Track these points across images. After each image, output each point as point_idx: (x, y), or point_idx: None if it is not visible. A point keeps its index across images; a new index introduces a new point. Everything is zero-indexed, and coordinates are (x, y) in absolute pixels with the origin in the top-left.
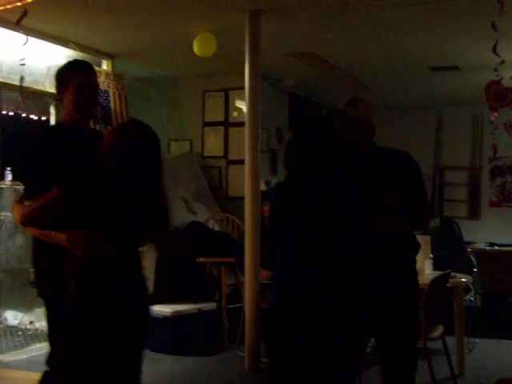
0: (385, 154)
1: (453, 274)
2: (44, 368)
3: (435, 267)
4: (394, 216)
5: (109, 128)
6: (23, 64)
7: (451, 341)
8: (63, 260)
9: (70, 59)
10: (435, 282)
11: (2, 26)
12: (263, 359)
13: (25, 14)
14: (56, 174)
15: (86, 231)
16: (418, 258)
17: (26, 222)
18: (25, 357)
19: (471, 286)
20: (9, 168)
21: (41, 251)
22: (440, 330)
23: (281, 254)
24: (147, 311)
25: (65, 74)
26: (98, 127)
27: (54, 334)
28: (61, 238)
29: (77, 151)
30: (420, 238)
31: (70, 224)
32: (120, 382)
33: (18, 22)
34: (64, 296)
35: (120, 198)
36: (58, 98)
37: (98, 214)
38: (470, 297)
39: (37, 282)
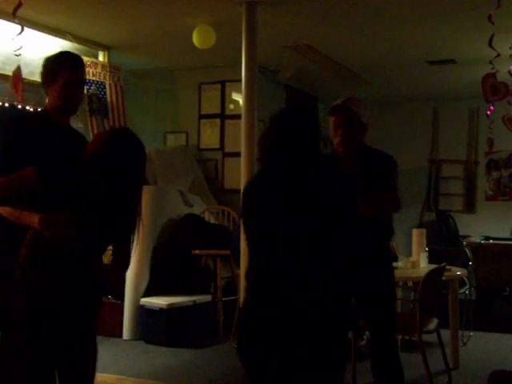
0: (372, 154)
1: (448, 267)
2: None
3: (430, 260)
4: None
5: (105, 120)
6: (18, 55)
7: (446, 334)
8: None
9: (61, 50)
10: (430, 275)
11: None
12: None
13: (20, 4)
14: (30, 158)
15: (62, 215)
16: (414, 251)
17: None
18: None
19: (466, 280)
20: None
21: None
22: (435, 323)
23: (260, 250)
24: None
25: (54, 67)
26: (93, 119)
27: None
28: (33, 218)
29: (57, 142)
30: (416, 231)
31: (44, 207)
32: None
33: (13, 12)
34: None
35: (94, 196)
36: (42, 86)
37: (72, 198)
38: (465, 290)
39: None
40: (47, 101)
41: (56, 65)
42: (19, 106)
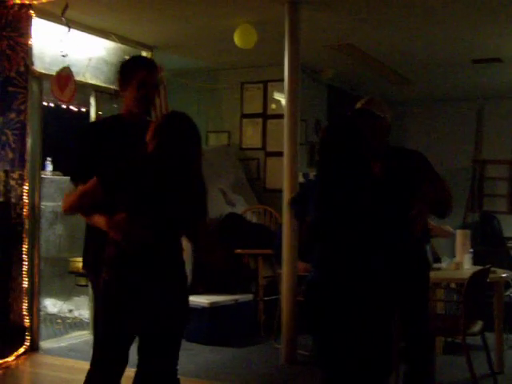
0: (400, 153)
1: (493, 269)
2: (80, 355)
3: (475, 262)
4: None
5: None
6: (65, 55)
7: (491, 337)
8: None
9: (134, 55)
10: (475, 276)
11: (45, 19)
12: (299, 351)
13: (66, 6)
14: (103, 163)
15: (124, 216)
16: (458, 252)
17: (67, 209)
18: (64, 344)
19: (511, 282)
20: (49, 158)
21: (90, 237)
22: (479, 325)
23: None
24: (176, 303)
25: (129, 70)
26: None
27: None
28: (101, 221)
29: (131, 142)
30: (460, 233)
31: (110, 209)
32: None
33: (62, 13)
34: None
35: (157, 185)
36: (120, 91)
37: (133, 200)
38: (510, 293)
39: (84, 265)
40: (123, 104)
41: (131, 67)
42: (64, 106)
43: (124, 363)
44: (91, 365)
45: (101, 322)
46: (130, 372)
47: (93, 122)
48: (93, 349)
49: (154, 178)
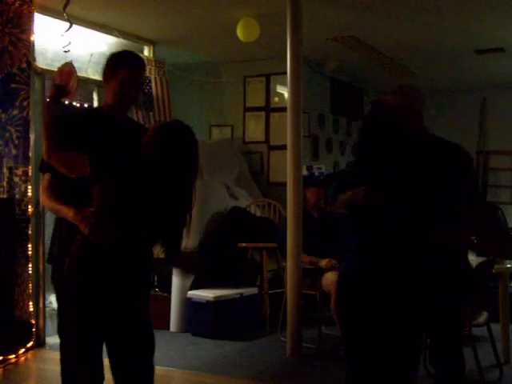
0: (436, 143)
1: (497, 260)
2: None
3: (479, 253)
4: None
5: (150, 114)
6: (67, 51)
7: (496, 328)
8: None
9: (124, 49)
10: (480, 267)
11: (46, 15)
12: (305, 344)
13: (68, 2)
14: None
15: (93, 211)
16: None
17: (49, 154)
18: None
19: None
20: None
21: (58, 229)
22: (484, 316)
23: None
24: (135, 298)
25: (114, 64)
26: (139, 113)
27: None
28: (69, 213)
29: (109, 136)
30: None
31: (80, 201)
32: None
33: (63, 9)
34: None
35: (145, 189)
36: (103, 82)
37: (115, 196)
38: None
39: (49, 256)
40: (105, 97)
41: (117, 62)
42: (66, 102)
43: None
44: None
45: (63, 314)
46: None
47: (69, 112)
48: (61, 352)
49: (144, 182)
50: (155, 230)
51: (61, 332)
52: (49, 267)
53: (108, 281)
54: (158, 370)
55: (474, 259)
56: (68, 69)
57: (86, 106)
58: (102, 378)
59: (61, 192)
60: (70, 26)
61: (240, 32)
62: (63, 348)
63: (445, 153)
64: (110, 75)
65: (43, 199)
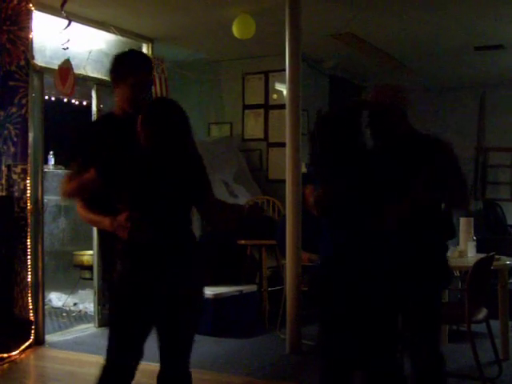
0: (419, 139)
1: (497, 256)
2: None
3: (478, 250)
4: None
5: None
6: (66, 48)
7: (495, 324)
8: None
9: (131, 50)
10: (479, 264)
11: (44, 12)
12: (304, 341)
13: (65, 0)
14: (99, 158)
15: (127, 215)
16: (462, 240)
17: (65, 195)
18: (69, 337)
19: None
20: (51, 152)
21: (102, 235)
22: (484, 313)
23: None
24: (190, 293)
25: (124, 67)
26: None
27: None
28: (105, 223)
29: (124, 139)
30: (463, 220)
31: (112, 208)
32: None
33: (61, 6)
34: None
35: (155, 178)
36: (112, 84)
37: (132, 196)
38: None
39: (102, 258)
40: (115, 100)
41: (126, 67)
42: (65, 100)
43: (139, 356)
44: (106, 358)
45: (114, 314)
46: (148, 366)
47: (89, 123)
48: (108, 341)
49: (151, 171)
50: (182, 210)
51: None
52: (48, 265)
53: (157, 272)
54: (157, 366)
55: (472, 256)
56: (66, 66)
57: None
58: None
59: (94, 201)
60: (69, 24)
61: (236, 29)
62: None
63: (422, 148)
64: (120, 79)
65: (79, 210)
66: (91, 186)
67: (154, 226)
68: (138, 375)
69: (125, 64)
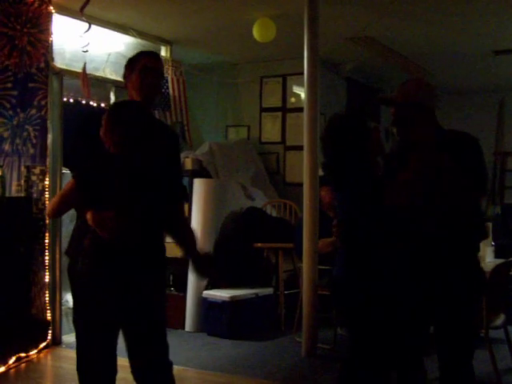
0: (448, 137)
1: None
2: None
3: (497, 255)
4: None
5: (167, 114)
6: (86, 51)
7: None
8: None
9: (141, 49)
10: (497, 269)
11: (64, 15)
12: (320, 345)
13: (86, 2)
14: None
15: (112, 214)
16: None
17: (50, 214)
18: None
19: None
20: None
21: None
22: (502, 318)
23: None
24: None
25: (132, 60)
26: (156, 113)
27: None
28: (88, 217)
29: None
30: None
31: (95, 204)
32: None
33: (81, 9)
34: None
35: (126, 181)
36: (124, 84)
37: (109, 199)
38: None
39: (66, 252)
40: (128, 96)
41: (134, 58)
42: (83, 102)
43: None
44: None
45: (78, 311)
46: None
47: (91, 113)
48: (76, 348)
49: (122, 175)
50: (157, 212)
51: (75, 325)
52: (65, 266)
53: (120, 276)
54: (173, 369)
55: (490, 261)
56: (83, 69)
57: (102, 105)
58: (115, 371)
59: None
60: (89, 28)
61: (256, 32)
62: (77, 340)
63: (454, 144)
64: (130, 71)
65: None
66: (72, 198)
67: (132, 229)
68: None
69: (132, 58)
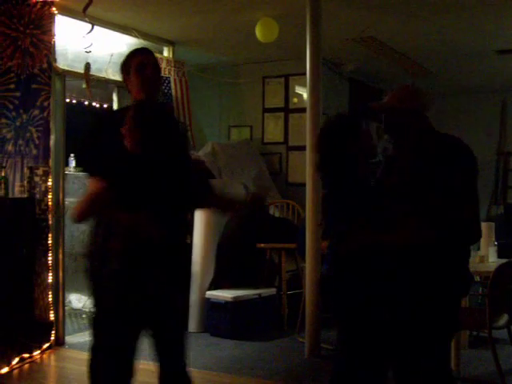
0: (439, 140)
1: None
2: None
3: (500, 255)
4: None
5: None
6: (89, 52)
7: None
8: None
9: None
10: (500, 269)
11: (67, 16)
12: (323, 345)
13: (90, 2)
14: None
15: (149, 213)
16: (482, 245)
17: (79, 218)
18: (88, 339)
19: None
20: (72, 154)
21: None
22: (505, 318)
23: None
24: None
25: (126, 62)
26: None
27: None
28: (121, 218)
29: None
30: (484, 225)
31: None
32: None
33: (83, 10)
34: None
35: (154, 178)
36: (126, 87)
37: (141, 197)
38: None
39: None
40: (131, 95)
41: (127, 59)
42: (86, 103)
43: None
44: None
45: (103, 312)
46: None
47: (103, 113)
48: (92, 347)
49: (151, 173)
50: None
51: (94, 324)
52: (68, 266)
53: (154, 277)
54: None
55: (493, 261)
56: (87, 70)
57: (105, 106)
58: (130, 375)
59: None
60: (92, 29)
61: (259, 33)
62: (95, 339)
63: (447, 150)
64: (126, 73)
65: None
66: (103, 200)
67: (162, 227)
68: (138, 374)
69: (125, 60)
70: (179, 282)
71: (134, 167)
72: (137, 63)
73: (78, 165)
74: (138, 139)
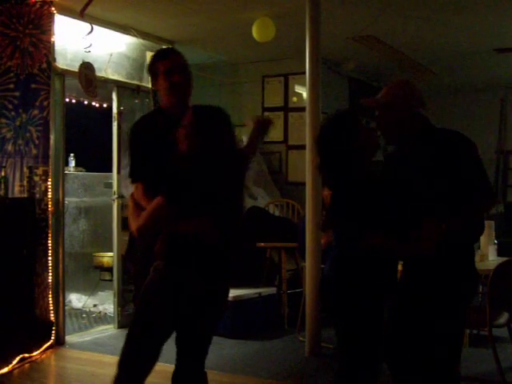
0: (438, 136)
1: None
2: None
3: (500, 253)
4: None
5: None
6: (88, 51)
7: None
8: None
9: (154, 51)
10: (501, 267)
11: (66, 15)
12: (323, 344)
13: (87, 5)
14: (155, 157)
15: (208, 219)
16: (483, 244)
17: (141, 232)
18: (89, 338)
19: None
20: (72, 154)
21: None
22: (505, 317)
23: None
24: (220, 302)
25: (152, 66)
26: None
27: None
28: (182, 225)
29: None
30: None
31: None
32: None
33: (81, 12)
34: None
35: (210, 184)
36: (155, 89)
37: (201, 203)
38: None
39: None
40: (162, 99)
41: (153, 62)
42: (85, 102)
43: (155, 358)
44: (123, 358)
45: (145, 314)
46: (164, 367)
47: (138, 121)
48: (126, 341)
49: (206, 179)
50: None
51: (139, 313)
52: (68, 266)
53: (208, 280)
54: (172, 367)
55: (493, 259)
56: (87, 68)
57: (105, 106)
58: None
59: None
60: (91, 30)
61: (255, 32)
62: (135, 325)
63: (445, 144)
64: (154, 77)
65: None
66: (164, 213)
67: (223, 231)
68: (152, 376)
69: (151, 63)
70: (226, 283)
71: (192, 173)
72: (164, 69)
73: (132, 182)
74: (198, 144)
